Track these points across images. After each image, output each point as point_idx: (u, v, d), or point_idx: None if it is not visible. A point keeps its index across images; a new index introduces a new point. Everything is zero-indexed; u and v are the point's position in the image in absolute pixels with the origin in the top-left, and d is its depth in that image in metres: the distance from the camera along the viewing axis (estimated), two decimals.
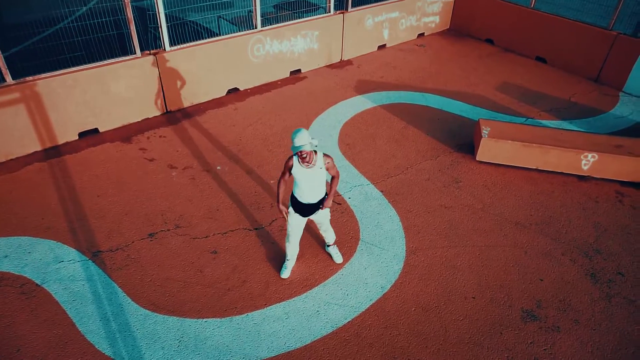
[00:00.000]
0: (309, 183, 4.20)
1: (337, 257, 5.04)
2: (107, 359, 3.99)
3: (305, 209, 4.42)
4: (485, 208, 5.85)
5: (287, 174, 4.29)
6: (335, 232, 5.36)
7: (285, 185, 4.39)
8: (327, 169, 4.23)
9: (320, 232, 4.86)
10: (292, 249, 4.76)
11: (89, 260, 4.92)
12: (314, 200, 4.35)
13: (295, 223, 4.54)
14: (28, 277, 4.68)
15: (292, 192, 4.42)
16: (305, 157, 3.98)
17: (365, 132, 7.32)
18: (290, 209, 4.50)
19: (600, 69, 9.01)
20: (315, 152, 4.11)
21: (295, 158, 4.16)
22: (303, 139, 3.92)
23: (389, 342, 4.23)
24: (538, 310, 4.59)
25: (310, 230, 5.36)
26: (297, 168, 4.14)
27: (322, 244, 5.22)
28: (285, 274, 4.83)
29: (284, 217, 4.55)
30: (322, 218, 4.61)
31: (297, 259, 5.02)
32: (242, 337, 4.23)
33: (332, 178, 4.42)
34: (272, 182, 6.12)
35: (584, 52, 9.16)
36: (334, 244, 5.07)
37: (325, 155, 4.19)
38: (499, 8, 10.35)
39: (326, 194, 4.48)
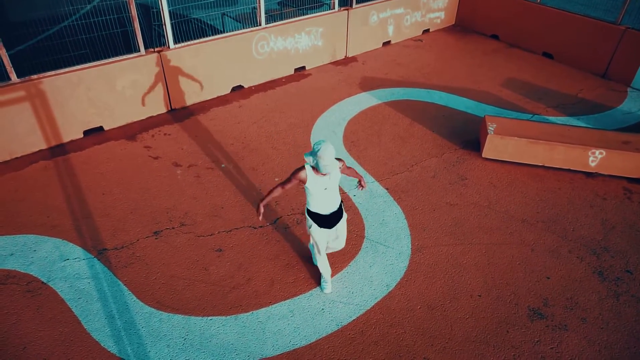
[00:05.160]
0: (329, 192, 3.86)
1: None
2: (112, 357, 4.00)
3: (333, 220, 4.13)
4: (491, 205, 5.81)
5: (290, 185, 3.87)
6: None
7: (280, 193, 4.09)
8: (342, 172, 4.01)
9: (331, 243, 4.52)
10: (324, 263, 4.42)
11: (95, 258, 4.93)
12: (336, 207, 4.09)
13: (321, 237, 4.20)
14: (34, 275, 4.70)
15: (309, 208, 4.09)
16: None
17: (370, 129, 7.29)
18: (314, 226, 4.15)
19: (608, 64, 8.91)
20: None
21: (308, 168, 3.74)
22: (331, 158, 3.46)
23: (394, 341, 4.21)
24: (545, 308, 4.55)
25: None
26: (313, 180, 3.72)
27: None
28: (328, 288, 4.60)
29: (258, 216, 4.04)
30: (342, 225, 4.34)
31: (300, 258, 5.01)
32: (247, 335, 4.22)
33: (348, 168, 4.15)
34: (277, 179, 6.09)
35: (591, 47, 9.06)
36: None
37: (336, 158, 3.86)
38: (505, 3, 10.26)
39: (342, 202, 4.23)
